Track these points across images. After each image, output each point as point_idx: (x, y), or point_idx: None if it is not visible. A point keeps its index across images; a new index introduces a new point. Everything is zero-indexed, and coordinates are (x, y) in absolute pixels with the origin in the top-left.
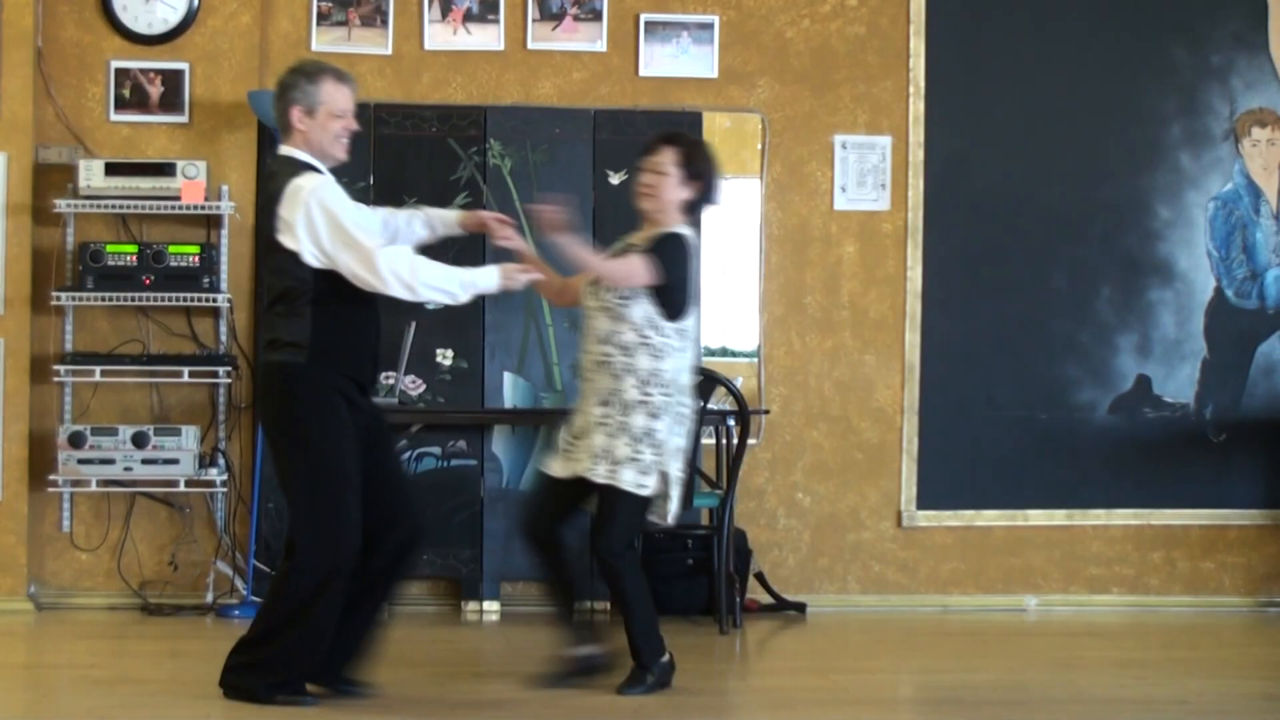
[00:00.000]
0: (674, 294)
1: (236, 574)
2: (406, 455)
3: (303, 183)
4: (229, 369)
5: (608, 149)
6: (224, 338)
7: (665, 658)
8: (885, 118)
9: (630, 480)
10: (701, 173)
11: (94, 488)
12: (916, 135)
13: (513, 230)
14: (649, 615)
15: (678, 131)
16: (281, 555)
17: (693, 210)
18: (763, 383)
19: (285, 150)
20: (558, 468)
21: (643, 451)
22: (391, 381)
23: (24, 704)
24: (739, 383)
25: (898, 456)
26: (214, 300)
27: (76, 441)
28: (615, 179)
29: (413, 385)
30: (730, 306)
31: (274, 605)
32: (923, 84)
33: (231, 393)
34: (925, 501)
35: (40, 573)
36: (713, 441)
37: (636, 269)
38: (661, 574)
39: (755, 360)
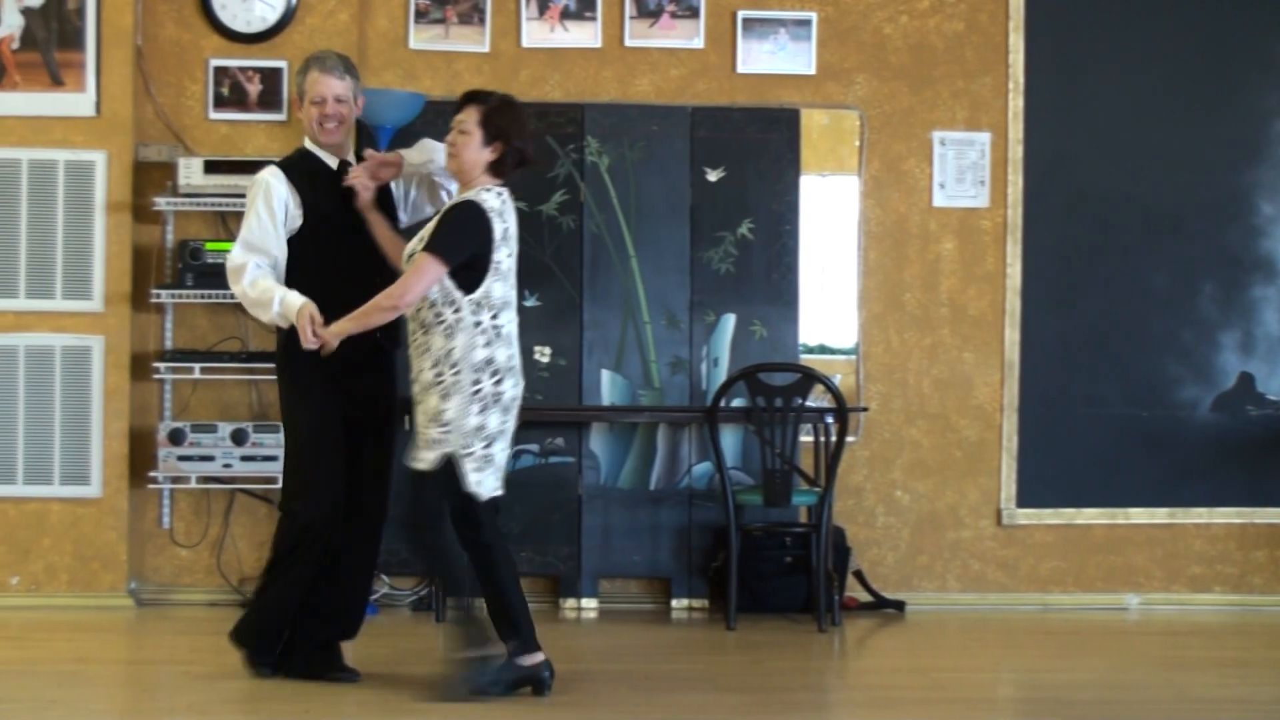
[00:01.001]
0: (466, 267)
1: None
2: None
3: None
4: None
5: (705, 146)
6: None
7: (538, 658)
8: (984, 114)
9: (420, 457)
10: (502, 132)
11: (193, 484)
12: (1016, 131)
13: (360, 174)
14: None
15: (484, 90)
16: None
17: (499, 171)
18: (861, 380)
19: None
20: None
21: (429, 430)
22: None
23: (125, 699)
24: (837, 380)
25: (997, 454)
26: None
27: (176, 438)
28: (713, 176)
29: None
30: (829, 304)
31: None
32: (1022, 80)
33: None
34: (1025, 499)
35: (141, 569)
36: (811, 439)
37: (422, 277)
38: (760, 572)
39: (854, 358)
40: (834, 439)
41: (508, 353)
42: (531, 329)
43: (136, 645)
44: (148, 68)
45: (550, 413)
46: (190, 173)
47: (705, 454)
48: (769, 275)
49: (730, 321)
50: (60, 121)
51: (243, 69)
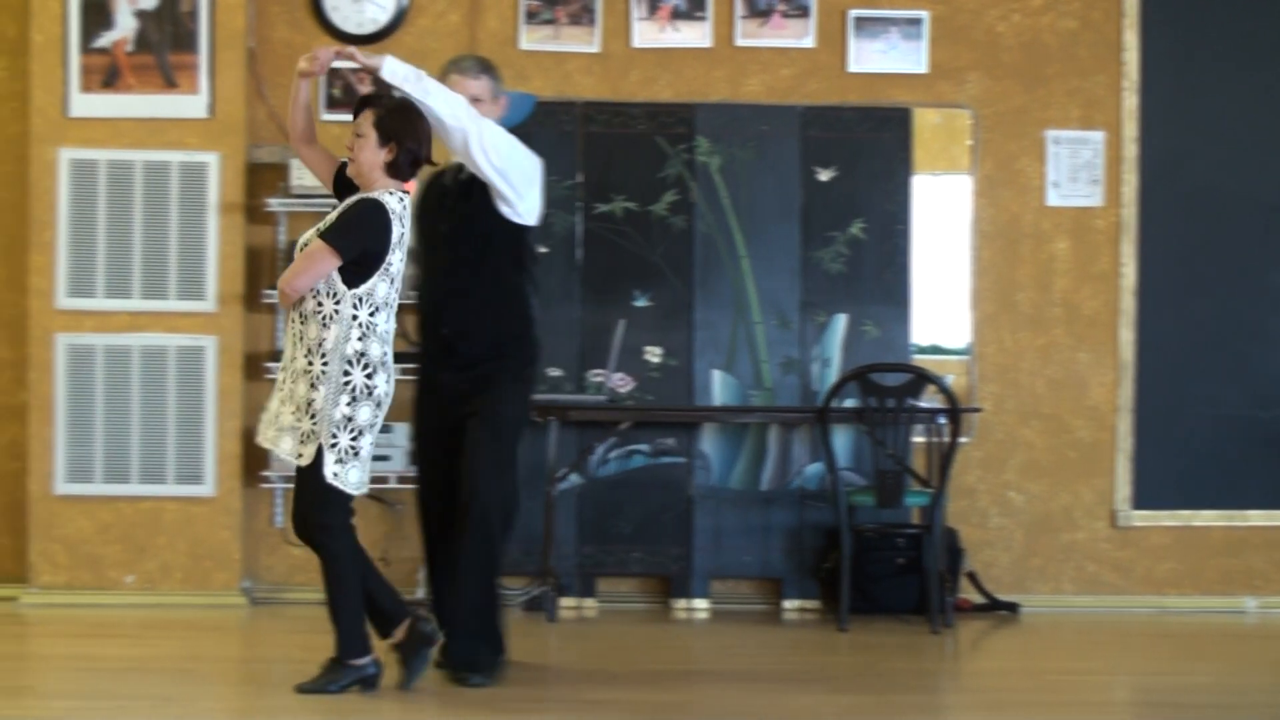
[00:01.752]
0: (355, 263)
1: None
2: (616, 452)
3: None
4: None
5: (816, 145)
6: None
7: (362, 659)
8: (1098, 112)
9: (288, 449)
10: (395, 133)
11: None
12: (1130, 130)
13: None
14: (349, 607)
15: (378, 94)
16: None
17: (397, 172)
18: (974, 380)
19: None
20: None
21: (301, 420)
22: (601, 379)
23: (239, 697)
24: (950, 380)
25: (1112, 455)
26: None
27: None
28: (824, 175)
29: (622, 382)
30: (941, 304)
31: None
32: (1136, 78)
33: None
34: (1141, 501)
35: (254, 567)
36: (924, 440)
37: (315, 265)
38: (872, 573)
39: (967, 358)
40: (947, 440)
41: (382, 350)
42: (643, 329)
43: (249, 643)
44: (260, 69)
45: (661, 413)
46: (302, 174)
47: (817, 454)
48: (881, 275)
49: (842, 322)
50: (174, 123)
51: (354, 70)
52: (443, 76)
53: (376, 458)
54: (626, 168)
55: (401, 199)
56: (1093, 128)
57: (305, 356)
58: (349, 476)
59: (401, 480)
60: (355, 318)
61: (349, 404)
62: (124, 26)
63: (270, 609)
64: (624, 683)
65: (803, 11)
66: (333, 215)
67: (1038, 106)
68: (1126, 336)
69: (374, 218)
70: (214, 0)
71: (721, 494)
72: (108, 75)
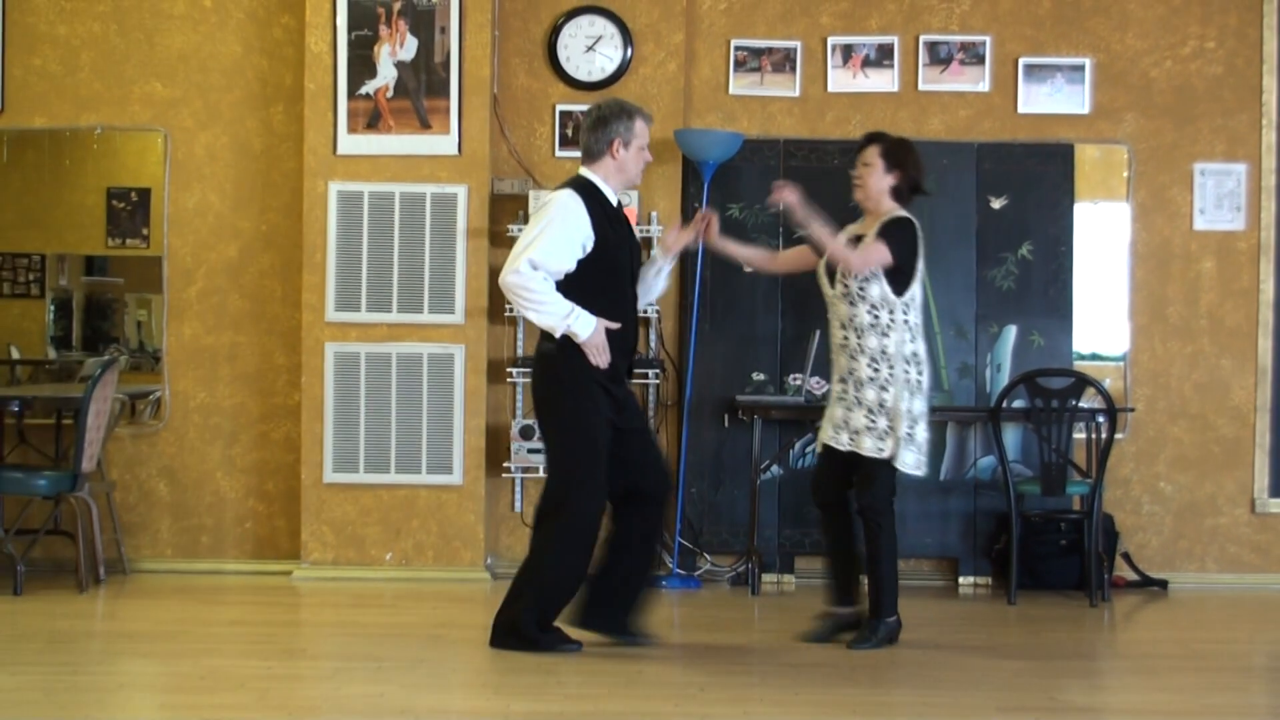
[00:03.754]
0: (903, 272)
1: (665, 550)
2: (812, 446)
3: (562, 193)
4: (658, 371)
5: (989, 178)
6: (654, 344)
7: (894, 617)
8: (1241, 147)
9: (870, 447)
10: (901, 162)
11: (541, 474)
12: (1269, 162)
13: (711, 219)
14: (893, 573)
15: (881, 131)
16: (533, 524)
17: (900, 196)
18: (1129, 384)
19: (586, 172)
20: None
21: (877, 420)
22: (799, 382)
23: (483, 660)
24: (1107, 384)
25: (1251, 450)
26: (646, 311)
27: (526, 434)
28: (996, 204)
29: (817, 386)
30: (1100, 316)
31: (535, 563)
32: (1275, 116)
33: (660, 392)
34: (1277, 490)
35: (496, 547)
36: (1084, 436)
37: (876, 254)
38: (1038, 553)
39: (1122, 364)
40: (1104, 436)
41: (924, 345)
42: None
43: (491, 613)
44: (503, 113)
45: None
46: (536, 203)
47: (989, 449)
48: (1046, 291)
49: (1012, 332)
50: (427, 160)
51: (584, 113)
52: (631, 118)
53: None
54: (823, 198)
55: (913, 217)
56: (1236, 160)
57: (870, 365)
58: (909, 459)
59: None
60: (907, 323)
61: (909, 398)
62: (385, 76)
63: (509, 583)
64: (822, 649)
65: (979, 59)
66: (863, 230)
67: (1187, 142)
68: (1265, 345)
69: (912, 231)
70: (463, 52)
71: (905, 483)
72: (371, 118)
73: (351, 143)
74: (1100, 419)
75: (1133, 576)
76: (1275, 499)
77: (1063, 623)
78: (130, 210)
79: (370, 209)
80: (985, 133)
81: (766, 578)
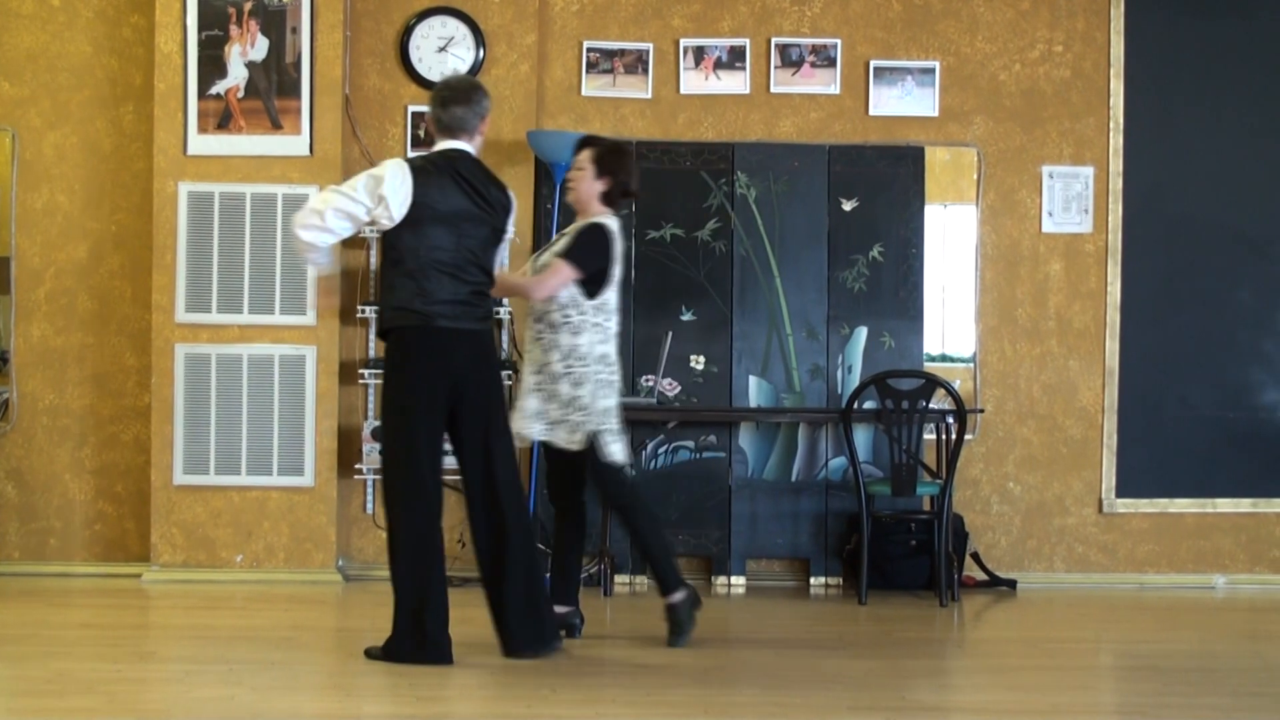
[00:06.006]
0: (593, 279)
1: None
2: (665, 448)
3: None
4: (509, 373)
5: (841, 179)
6: (505, 346)
7: (682, 591)
8: (1088, 150)
9: (563, 439)
10: (612, 168)
11: None
12: (1116, 165)
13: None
14: (662, 547)
15: (595, 136)
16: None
17: (609, 200)
18: (978, 385)
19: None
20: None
21: (570, 415)
22: (651, 383)
23: (335, 661)
24: (957, 385)
25: (1099, 450)
26: (498, 313)
27: (378, 435)
28: (847, 205)
29: (670, 387)
30: (950, 318)
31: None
32: (1122, 120)
33: (512, 394)
34: (1123, 490)
35: (347, 549)
36: (934, 437)
37: (556, 280)
38: (889, 553)
39: (972, 365)
40: (954, 437)
41: (615, 347)
42: (688, 340)
43: (343, 615)
44: (354, 113)
45: (704, 414)
46: None
47: (840, 450)
48: (897, 293)
49: (863, 333)
50: (279, 160)
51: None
52: (484, 100)
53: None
54: (675, 199)
55: (615, 221)
56: (1083, 164)
57: (562, 361)
58: (614, 449)
59: None
60: (599, 324)
61: (605, 396)
62: (236, 76)
63: (361, 585)
64: (671, 649)
65: (830, 62)
66: (563, 241)
67: (1035, 145)
68: (1112, 346)
69: (604, 237)
70: (315, 52)
71: (756, 484)
72: (222, 118)
73: (202, 143)
74: (950, 420)
75: (982, 576)
76: (1122, 499)
77: (913, 622)
78: None
79: (221, 210)
80: (836, 135)
81: (619, 579)
